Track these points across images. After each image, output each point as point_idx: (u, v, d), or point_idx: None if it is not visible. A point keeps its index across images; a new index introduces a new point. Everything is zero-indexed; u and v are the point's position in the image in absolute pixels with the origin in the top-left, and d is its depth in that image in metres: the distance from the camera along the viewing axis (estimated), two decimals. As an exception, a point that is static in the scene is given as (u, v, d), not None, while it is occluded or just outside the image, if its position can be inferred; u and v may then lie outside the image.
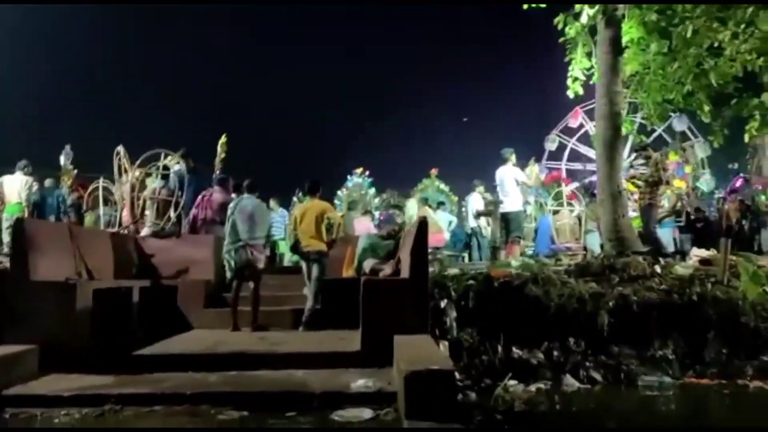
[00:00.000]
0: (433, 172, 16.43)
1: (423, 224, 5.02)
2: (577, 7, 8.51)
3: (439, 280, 6.08)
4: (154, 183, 8.44)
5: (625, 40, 8.22)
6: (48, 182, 10.60)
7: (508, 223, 9.49)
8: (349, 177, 15.40)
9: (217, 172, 9.45)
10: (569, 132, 19.84)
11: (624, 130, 9.76)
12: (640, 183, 7.61)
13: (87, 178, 11.14)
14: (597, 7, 7.59)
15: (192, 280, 6.91)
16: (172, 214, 7.96)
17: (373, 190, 15.23)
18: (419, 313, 4.97)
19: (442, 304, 5.83)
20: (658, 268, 6.18)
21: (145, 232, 7.87)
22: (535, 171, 9.33)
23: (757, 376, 5.22)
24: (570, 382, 5.00)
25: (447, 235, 11.29)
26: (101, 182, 10.31)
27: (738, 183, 13.40)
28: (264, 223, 6.21)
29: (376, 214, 12.59)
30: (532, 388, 4.81)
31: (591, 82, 9.29)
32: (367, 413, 3.71)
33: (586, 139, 19.05)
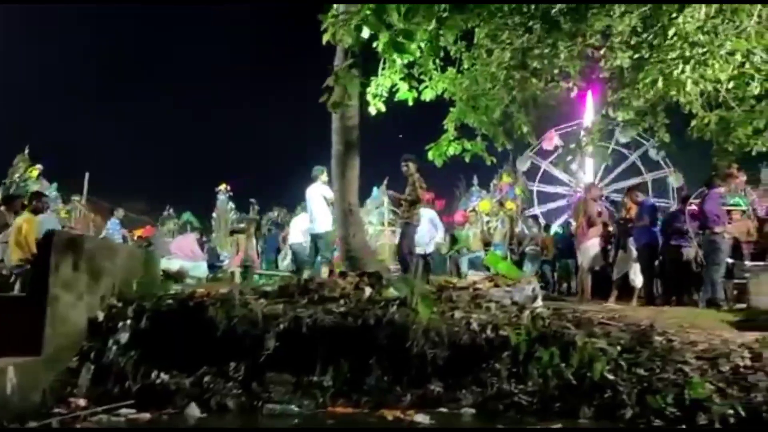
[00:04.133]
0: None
1: (47, 239, 4.75)
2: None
3: (135, 299, 5.80)
4: None
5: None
6: None
7: (316, 244, 9.23)
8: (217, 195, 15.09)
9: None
10: (545, 154, 19.85)
11: (452, 150, 9.58)
12: (402, 202, 7.40)
13: None
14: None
15: None
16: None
17: (231, 205, 14.91)
18: (33, 333, 4.68)
19: (120, 324, 5.54)
20: (368, 290, 5.92)
21: None
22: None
23: (416, 405, 4.92)
24: (192, 412, 4.68)
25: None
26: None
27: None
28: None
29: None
30: (118, 418, 4.48)
31: (395, 99, 9.12)
32: None
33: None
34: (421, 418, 4.49)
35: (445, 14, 5.83)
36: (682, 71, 6.37)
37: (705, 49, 6.00)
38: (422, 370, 5.14)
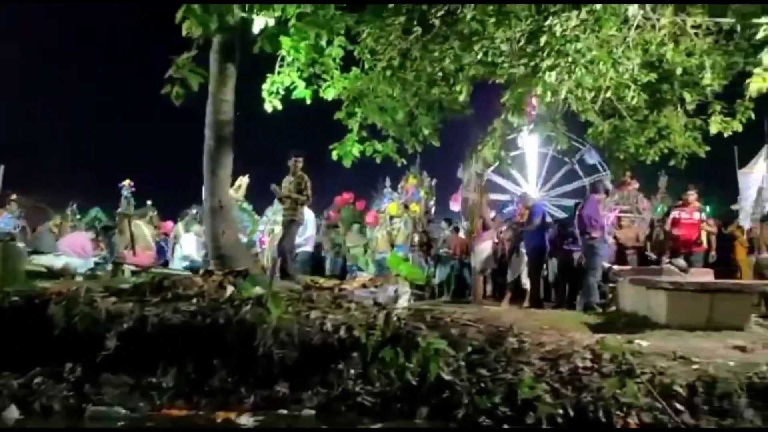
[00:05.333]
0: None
1: None
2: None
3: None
4: None
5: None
6: None
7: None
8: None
9: None
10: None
11: (357, 151, 9.48)
12: (286, 201, 7.29)
13: None
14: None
15: None
16: None
17: (132, 202, 14.35)
18: None
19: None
20: (230, 289, 5.77)
21: None
22: (244, 182, 8.89)
23: (259, 407, 4.81)
24: (11, 414, 4.43)
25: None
26: None
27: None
28: None
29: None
30: None
31: (292, 97, 8.99)
32: None
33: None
34: (245, 420, 4.39)
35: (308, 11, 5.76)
36: (556, 79, 6.52)
37: (570, 59, 6.14)
38: (269, 371, 5.03)
